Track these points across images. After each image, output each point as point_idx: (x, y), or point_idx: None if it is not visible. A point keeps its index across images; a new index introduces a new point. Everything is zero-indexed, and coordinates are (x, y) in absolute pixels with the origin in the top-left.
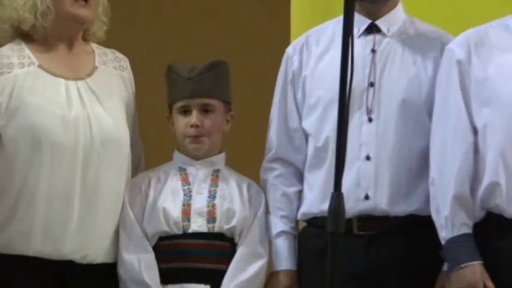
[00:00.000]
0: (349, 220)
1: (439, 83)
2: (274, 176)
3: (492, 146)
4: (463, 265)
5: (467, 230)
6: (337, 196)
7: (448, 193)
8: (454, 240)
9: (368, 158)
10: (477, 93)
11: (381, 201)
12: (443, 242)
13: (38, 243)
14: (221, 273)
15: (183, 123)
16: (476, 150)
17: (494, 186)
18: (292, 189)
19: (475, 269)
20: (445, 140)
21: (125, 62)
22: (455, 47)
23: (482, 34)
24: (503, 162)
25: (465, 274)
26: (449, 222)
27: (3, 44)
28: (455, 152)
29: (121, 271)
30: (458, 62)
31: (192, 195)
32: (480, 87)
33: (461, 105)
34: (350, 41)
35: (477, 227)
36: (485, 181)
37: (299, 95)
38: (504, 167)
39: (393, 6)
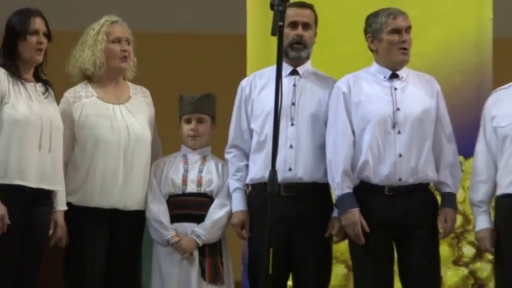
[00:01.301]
0: (279, 185)
1: (331, 105)
2: (231, 156)
3: (365, 141)
4: (348, 210)
5: (350, 190)
6: (273, 171)
7: (339, 169)
8: (342, 197)
9: (291, 146)
10: (355, 112)
11: (298, 172)
12: (336, 197)
13: (97, 199)
14: (204, 217)
15: (186, 128)
16: (354, 145)
17: (365, 163)
18: (242, 164)
19: (355, 213)
20: (336, 138)
21: (147, 92)
22: (341, 84)
23: (355, 76)
24: (370, 150)
25: (349, 216)
26: (340, 186)
27: (75, 81)
28: (343, 145)
29: (148, 214)
30: (343, 93)
31: (188, 170)
32: (357, 108)
33: (345, 119)
34: (280, 80)
35: (356, 189)
36: (360, 161)
37: (249, 110)
38: (371, 153)
39: (306, 61)
